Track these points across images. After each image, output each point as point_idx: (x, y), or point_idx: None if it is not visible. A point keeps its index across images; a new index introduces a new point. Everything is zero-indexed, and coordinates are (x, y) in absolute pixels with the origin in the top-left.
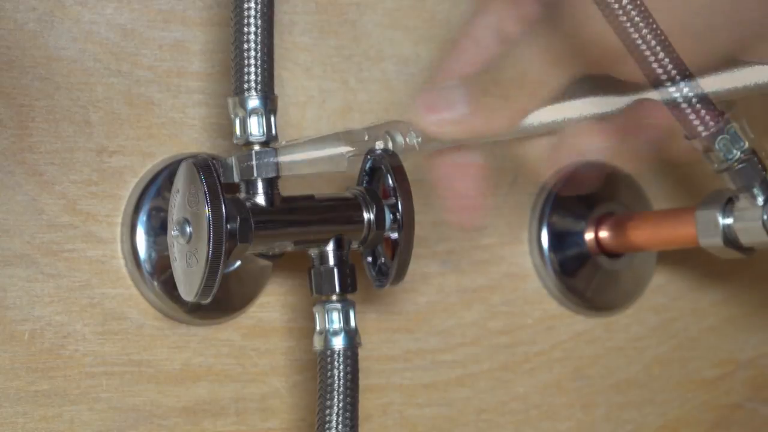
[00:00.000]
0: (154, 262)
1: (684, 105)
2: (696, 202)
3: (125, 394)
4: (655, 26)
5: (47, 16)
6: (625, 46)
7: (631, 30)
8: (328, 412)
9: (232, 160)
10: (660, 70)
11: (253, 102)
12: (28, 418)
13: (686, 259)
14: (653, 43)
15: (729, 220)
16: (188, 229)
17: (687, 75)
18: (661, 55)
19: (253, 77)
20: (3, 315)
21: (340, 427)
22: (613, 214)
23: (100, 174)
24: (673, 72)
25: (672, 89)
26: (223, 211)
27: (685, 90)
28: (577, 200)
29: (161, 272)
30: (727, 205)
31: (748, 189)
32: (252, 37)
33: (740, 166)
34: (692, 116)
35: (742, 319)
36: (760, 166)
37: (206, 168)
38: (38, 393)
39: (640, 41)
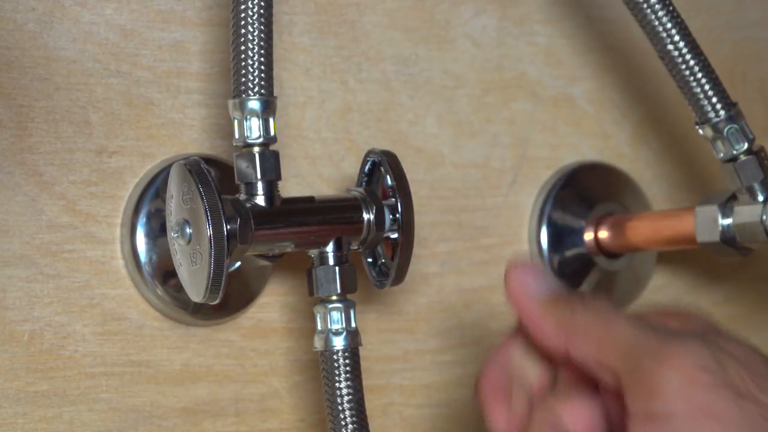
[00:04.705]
0: (153, 262)
1: (696, 89)
2: (695, 204)
3: (125, 394)
4: None
5: (47, 16)
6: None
7: None
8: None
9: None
10: (674, 51)
11: (252, 104)
12: (28, 418)
13: (686, 260)
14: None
15: (728, 220)
16: (188, 230)
17: (701, 59)
18: (677, 38)
19: (251, 79)
20: (3, 315)
21: (350, 427)
22: (612, 215)
23: (99, 174)
24: (688, 55)
25: (685, 72)
26: (217, 196)
27: (699, 74)
28: (577, 200)
29: (161, 273)
30: (728, 203)
31: (749, 184)
32: (250, 39)
33: (745, 158)
34: (704, 101)
35: (742, 319)
36: (766, 162)
37: (193, 163)
38: (38, 393)
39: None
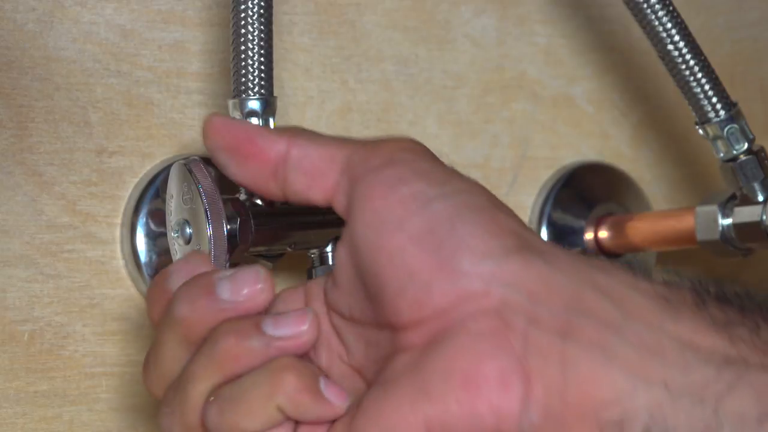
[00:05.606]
0: (154, 262)
1: (696, 89)
2: (695, 204)
3: (125, 394)
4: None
5: (47, 16)
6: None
7: None
8: None
9: None
10: (674, 51)
11: (252, 104)
12: (28, 418)
13: (686, 260)
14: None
15: (728, 220)
16: (188, 230)
17: (701, 59)
18: (677, 38)
19: (251, 79)
20: (3, 315)
21: None
22: (612, 215)
23: (99, 174)
24: (688, 55)
25: (685, 72)
26: (217, 196)
27: (699, 74)
28: (577, 200)
29: None
30: (728, 203)
31: (749, 184)
32: (250, 39)
33: (745, 158)
34: (704, 101)
35: None
36: (766, 162)
37: (193, 163)
38: (38, 393)
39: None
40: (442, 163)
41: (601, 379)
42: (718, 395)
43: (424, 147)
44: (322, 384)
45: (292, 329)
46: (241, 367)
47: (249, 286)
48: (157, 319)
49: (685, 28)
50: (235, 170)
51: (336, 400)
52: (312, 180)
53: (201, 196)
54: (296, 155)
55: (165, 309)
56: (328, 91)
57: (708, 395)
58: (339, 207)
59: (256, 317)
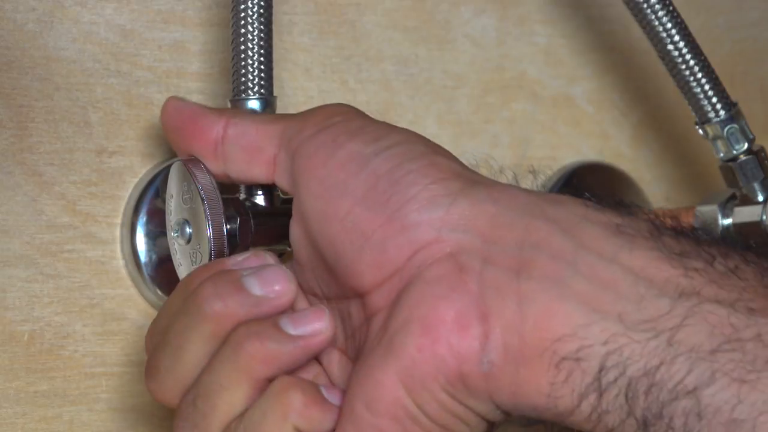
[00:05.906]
0: (153, 262)
1: (696, 89)
2: (695, 204)
3: (125, 394)
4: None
5: (47, 16)
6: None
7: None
8: None
9: None
10: (674, 51)
11: (252, 104)
12: (28, 418)
13: None
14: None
15: (728, 220)
16: (188, 230)
17: (701, 59)
18: (677, 38)
19: (251, 79)
20: (2, 315)
21: None
22: None
23: (99, 174)
24: (688, 55)
25: (685, 72)
26: (217, 196)
27: (699, 74)
28: None
29: (161, 273)
30: (728, 203)
31: (750, 184)
32: (250, 39)
33: (745, 158)
34: (704, 101)
35: None
36: (766, 162)
37: (193, 162)
38: (38, 393)
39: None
40: (374, 120)
41: (557, 312)
42: (672, 328)
43: (355, 108)
44: (324, 391)
45: (313, 327)
46: (272, 370)
47: (279, 283)
48: (173, 314)
49: (685, 28)
50: (183, 150)
51: (339, 402)
52: (251, 156)
53: (201, 196)
54: (233, 134)
55: (182, 308)
56: (328, 91)
57: (662, 328)
58: (283, 183)
59: (272, 318)
